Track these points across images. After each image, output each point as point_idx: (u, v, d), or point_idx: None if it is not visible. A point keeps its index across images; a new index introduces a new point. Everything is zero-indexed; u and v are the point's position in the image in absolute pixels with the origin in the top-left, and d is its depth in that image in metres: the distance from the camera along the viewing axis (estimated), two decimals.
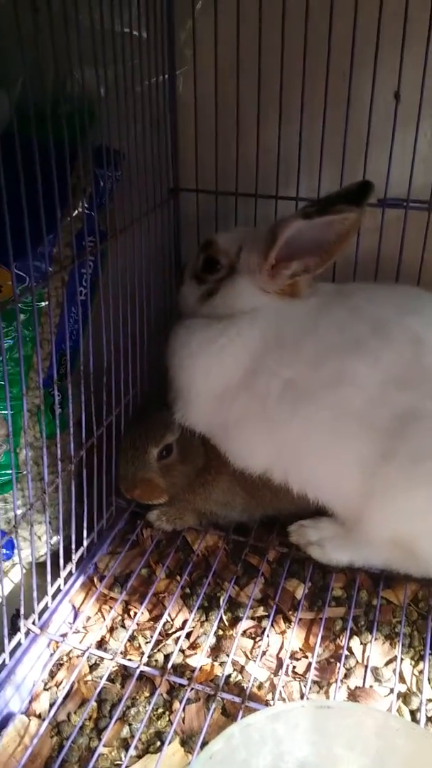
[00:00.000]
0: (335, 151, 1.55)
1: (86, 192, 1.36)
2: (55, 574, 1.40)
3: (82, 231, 1.33)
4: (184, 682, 1.26)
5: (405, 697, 1.28)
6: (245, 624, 1.40)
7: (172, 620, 1.41)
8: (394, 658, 1.35)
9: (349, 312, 1.44)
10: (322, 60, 1.47)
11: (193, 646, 1.36)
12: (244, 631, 1.39)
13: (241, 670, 1.32)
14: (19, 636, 1.29)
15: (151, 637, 1.36)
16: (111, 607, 1.42)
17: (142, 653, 1.32)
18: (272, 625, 1.40)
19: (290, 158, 1.60)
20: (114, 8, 1.27)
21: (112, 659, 1.30)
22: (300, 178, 1.60)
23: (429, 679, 1.31)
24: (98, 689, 1.24)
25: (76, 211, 1.36)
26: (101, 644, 1.35)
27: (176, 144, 1.69)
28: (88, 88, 1.30)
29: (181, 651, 1.34)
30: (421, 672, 1.32)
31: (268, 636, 1.38)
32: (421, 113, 1.49)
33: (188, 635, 1.38)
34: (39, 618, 1.33)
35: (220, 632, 1.39)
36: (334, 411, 1.38)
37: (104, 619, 1.40)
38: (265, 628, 1.39)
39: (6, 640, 1.24)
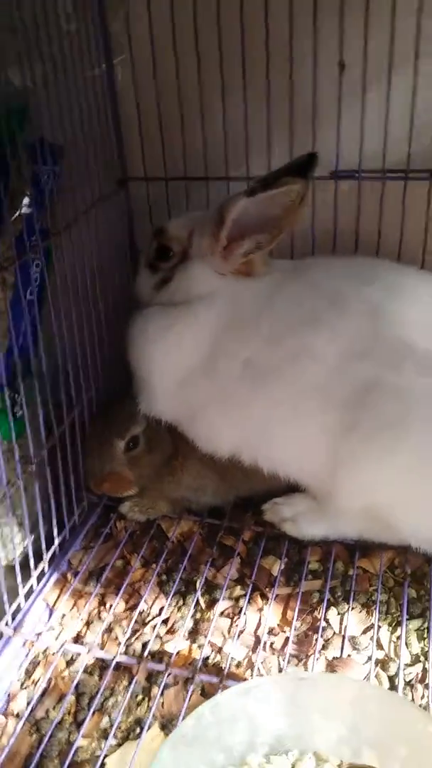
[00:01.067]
0: (283, 126, 1.54)
1: (23, 191, 1.35)
2: (27, 575, 1.40)
3: (23, 231, 1.32)
4: (162, 667, 1.27)
5: (383, 664, 1.29)
6: (222, 605, 1.41)
7: (149, 608, 1.42)
8: (372, 626, 1.35)
9: (305, 287, 1.45)
10: (260, 35, 1.46)
11: (171, 632, 1.37)
12: (222, 612, 1.40)
13: (219, 650, 1.33)
14: None
15: (128, 626, 1.37)
16: (86, 602, 1.43)
17: (119, 643, 1.33)
18: (249, 603, 1.41)
19: (238, 138, 1.59)
20: (39, 2, 1.26)
21: (88, 652, 1.31)
22: (250, 156, 1.60)
23: (406, 644, 1.32)
24: (75, 682, 1.25)
25: (18, 213, 1.35)
26: (77, 639, 1.36)
27: (120, 133, 1.68)
28: (21, 86, 1.30)
29: (159, 637, 1.35)
30: (398, 638, 1.33)
31: (245, 614, 1.39)
32: (366, 81, 1.47)
33: (165, 621, 1.39)
34: (12, 619, 1.34)
35: (198, 615, 1.40)
36: (296, 387, 1.38)
37: (80, 613, 1.41)
38: (242, 607, 1.40)
39: None
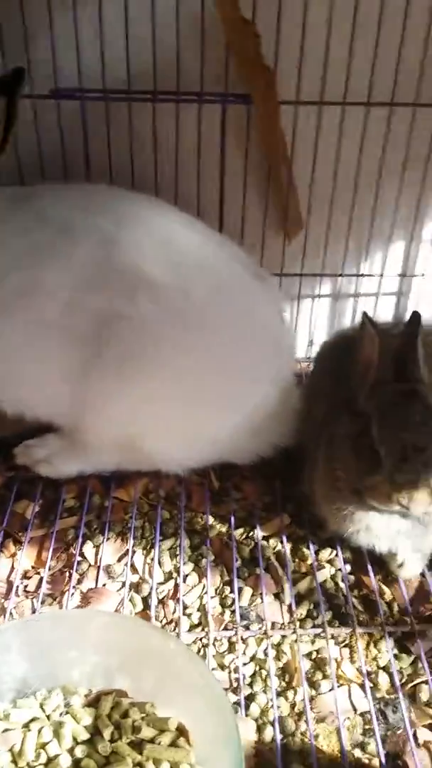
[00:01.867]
0: None
1: None
2: None
3: None
4: None
5: (137, 586, 1.33)
6: None
7: None
8: (126, 552, 1.38)
9: (31, 216, 1.36)
10: None
11: None
12: None
13: None
14: None
15: None
16: None
17: None
18: (1, 550, 1.37)
19: None
20: None
21: None
22: None
23: (159, 564, 1.37)
24: None
25: None
26: None
27: None
28: None
29: None
30: (152, 559, 1.37)
31: None
32: None
33: None
34: None
35: None
36: (30, 324, 1.32)
37: None
38: None
39: None
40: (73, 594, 1.30)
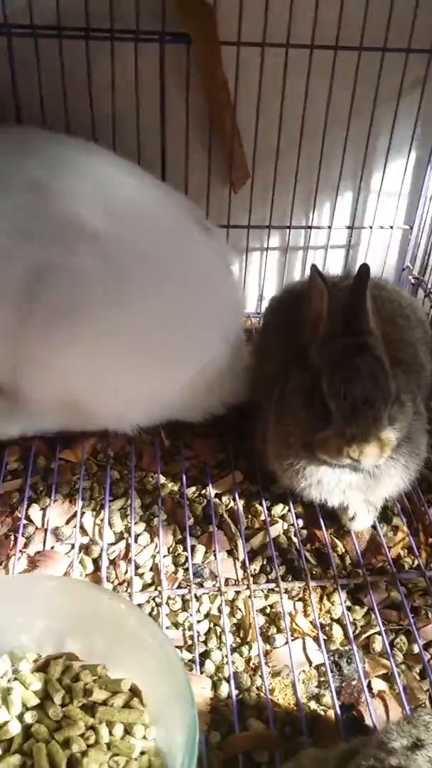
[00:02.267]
0: None
1: None
2: None
3: None
4: None
5: (87, 548, 1.29)
6: None
7: None
8: (75, 514, 1.34)
9: None
10: None
11: None
12: None
13: None
14: None
15: None
16: None
17: None
18: None
19: None
20: None
21: None
22: None
23: (110, 525, 1.33)
24: None
25: None
26: None
27: None
28: None
29: None
30: (102, 520, 1.33)
31: None
32: None
33: None
34: None
35: None
36: None
37: None
38: None
39: None
40: (19, 558, 1.25)
